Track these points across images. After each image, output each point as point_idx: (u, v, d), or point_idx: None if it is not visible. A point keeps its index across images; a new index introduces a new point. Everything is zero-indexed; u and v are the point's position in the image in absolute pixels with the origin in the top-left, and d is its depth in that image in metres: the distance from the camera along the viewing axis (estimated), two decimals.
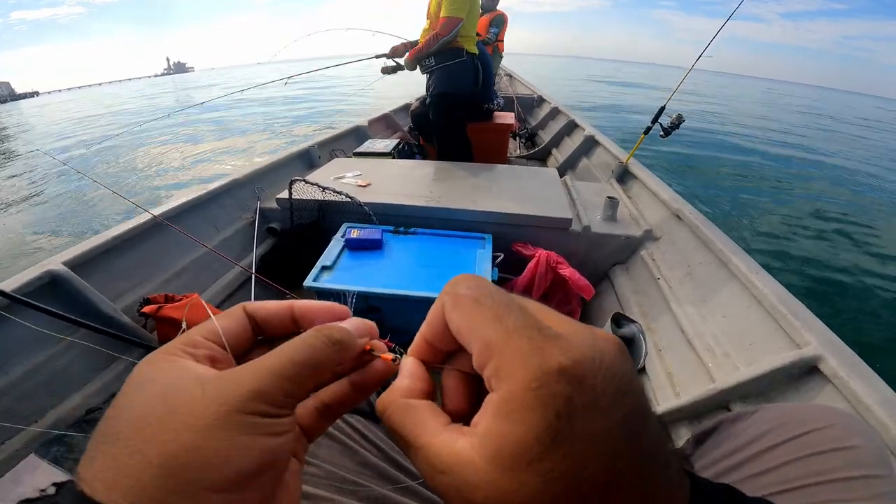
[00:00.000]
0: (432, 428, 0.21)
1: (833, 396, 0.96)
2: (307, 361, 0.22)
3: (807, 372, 1.04)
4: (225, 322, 0.25)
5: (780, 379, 1.07)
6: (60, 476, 0.97)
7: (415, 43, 2.66)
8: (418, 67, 2.70)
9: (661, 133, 2.44)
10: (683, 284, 1.60)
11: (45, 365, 1.22)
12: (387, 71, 2.82)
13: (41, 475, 0.96)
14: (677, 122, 2.38)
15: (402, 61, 2.73)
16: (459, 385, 0.24)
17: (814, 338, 1.05)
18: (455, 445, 0.19)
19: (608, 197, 1.99)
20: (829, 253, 4.19)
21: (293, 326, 0.27)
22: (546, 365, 0.18)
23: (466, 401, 0.24)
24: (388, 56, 2.77)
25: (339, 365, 0.25)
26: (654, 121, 2.47)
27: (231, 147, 8.75)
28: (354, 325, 0.26)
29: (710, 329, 1.36)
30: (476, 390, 0.24)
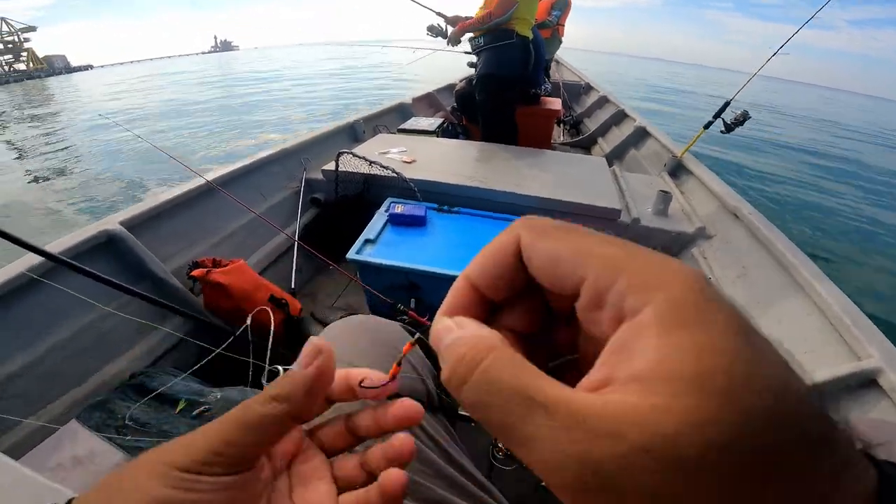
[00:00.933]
0: (552, 381, 0.15)
1: (890, 411, 0.94)
2: (243, 425, 0.23)
3: (864, 384, 1.01)
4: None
5: (835, 391, 1.04)
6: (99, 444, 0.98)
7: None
8: (469, 46, 2.64)
9: (723, 129, 2.32)
10: (736, 286, 1.53)
11: (91, 327, 1.24)
12: (432, 31, 2.76)
13: (82, 442, 0.98)
14: (742, 119, 2.26)
15: (450, 29, 2.67)
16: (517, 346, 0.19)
17: (875, 350, 1.02)
18: (622, 387, 0.14)
19: (661, 190, 1.92)
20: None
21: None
22: (695, 272, 0.15)
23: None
24: (447, 20, 2.71)
25: (299, 417, 0.24)
26: (717, 115, 2.35)
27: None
28: (300, 379, 0.24)
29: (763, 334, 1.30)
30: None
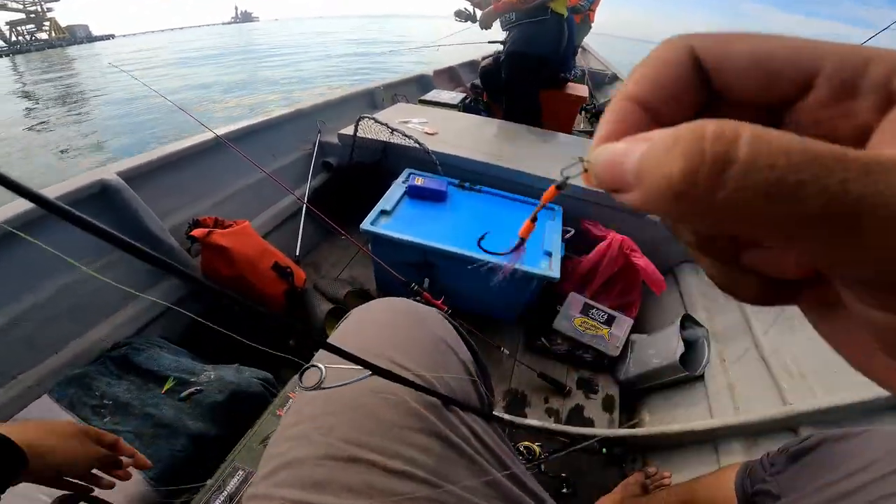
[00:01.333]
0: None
1: None
2: None
3: (892, 409, 0.97)
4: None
5: (859, 412, 0.99)
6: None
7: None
8: (499, 23, 2.50)
9: None
10: None
11: (75, 286, 1.13)
12: (460, 16, 2.62)
13: None
14: None
15: (478, 13, 2.52)
16: None
17: None
18: None
19: None
20: None
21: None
22: None
23: None
24: (472, 2, 2.57)
25: None
26: None
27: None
28: None
29: (790, 348, 1.23)
30: None
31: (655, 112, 0.16)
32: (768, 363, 1.23)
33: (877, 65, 0.13)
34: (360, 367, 0.32)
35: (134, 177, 1.30)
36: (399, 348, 0.45)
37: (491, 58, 3.30)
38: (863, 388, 1.00)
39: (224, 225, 1.35)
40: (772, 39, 0.14)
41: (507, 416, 1.24)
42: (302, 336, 1.28)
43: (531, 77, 2.60)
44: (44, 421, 0.57)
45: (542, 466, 1.06)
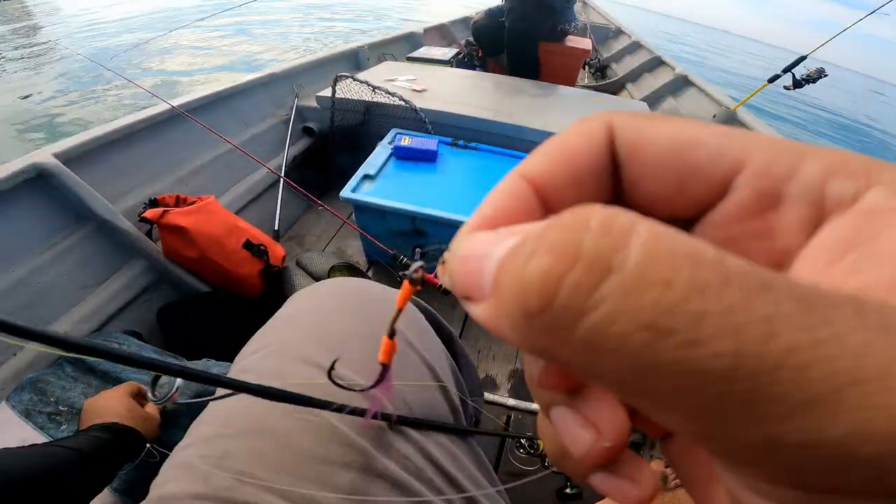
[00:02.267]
0: None
1: None
2: None
3: None
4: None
5: None
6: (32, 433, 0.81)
7: None
8: None
9: (790, 84, 2.09)
10: None
11: (23, 283, 1.00)
12: None
13: (12, 430, 0.81)
14: (816, 76, 2.03)
15: None
16: None
17: None
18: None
19: None
20: None
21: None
22: None
23: None
24: None
25: None
26: (788, 69, 2.10)
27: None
28: None
29: None
30: None
31: (552, 199, 0.13)
32: None
33: (811, 163, 0.11)
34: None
35: (74, 157, 1.13)
36: (334, 349, 0.34)
37: (483, 13, 3.13)
38: None
39: (186, 202, 1.19)
40: (698, 127, 0.12)
41: (478, 431, 1.09)
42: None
43: (536, 27, 2.50)
44: (115, 395, 0.68)
45: (547, 461, 0.91)
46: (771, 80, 2.19)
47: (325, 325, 0.37)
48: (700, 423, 0.08)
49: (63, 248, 1.07)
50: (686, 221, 0.13)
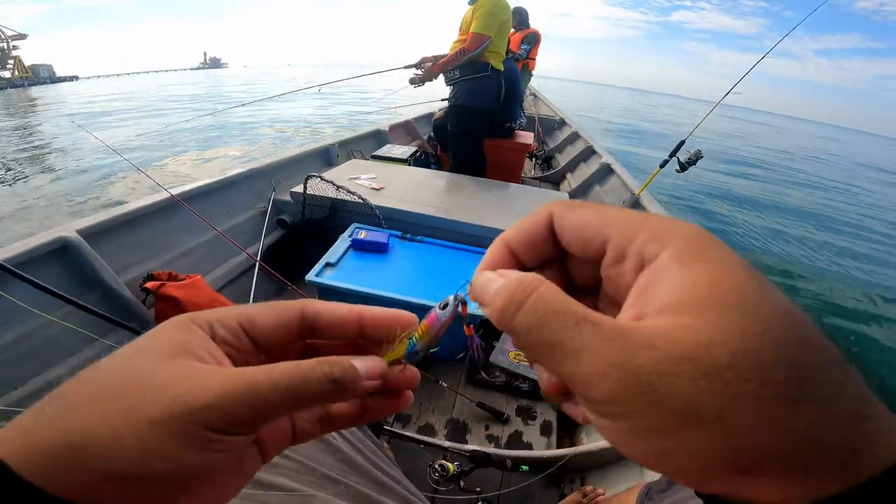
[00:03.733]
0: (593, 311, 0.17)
1: None
2: (292, 390, 0.19)
3: None
4: (268, 314, 0.23)
5: None
6: None
7: (443, 56, 2.70)
8: (442, 77, 2.73)
9: (678, 168, 2.44)
10: None
11: (35, 333, 1.22)
12: (414, 82, 2.83)
13: None
14: (695, 159, 2.39)
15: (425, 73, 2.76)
16: None
17: None
18: (653, 319, 0.16)
19: None
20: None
21: (358, 333, 0.25)
22: (700, 226, 0.18)
23: None
24: (416, 66, 2.81)
25: (333, 402, 0.23)
26: (672, 154, 2.48)
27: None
28: (367, 365, 0.22)
29: None
30: None
31: (519, 253, 0.22)
32: None
33: (642, 235, 0.18)
34: None
35: (92, 234, 1.40)
36: None
37: (443, 110, 3.51)
38: None
39: (177, 279, 1.45)
40: (596, 213, 0.20)
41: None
42: None
43: (475, 129, 2.78)
44: None
45: (462, 483, 1.13)
46: (662, 166, 2.55)
47: None
48: (541, 362, 0.18)
49: (72, 308, 1.24)
50: (596, 264, 0.20)
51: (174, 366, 0.19)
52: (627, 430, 0.16)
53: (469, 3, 2.51)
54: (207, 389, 0.18)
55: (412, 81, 2.84)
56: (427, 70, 2.70)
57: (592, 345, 0.16)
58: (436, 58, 2.77)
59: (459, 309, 0.24)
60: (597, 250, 0.19)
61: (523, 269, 0.22)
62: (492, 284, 0.19)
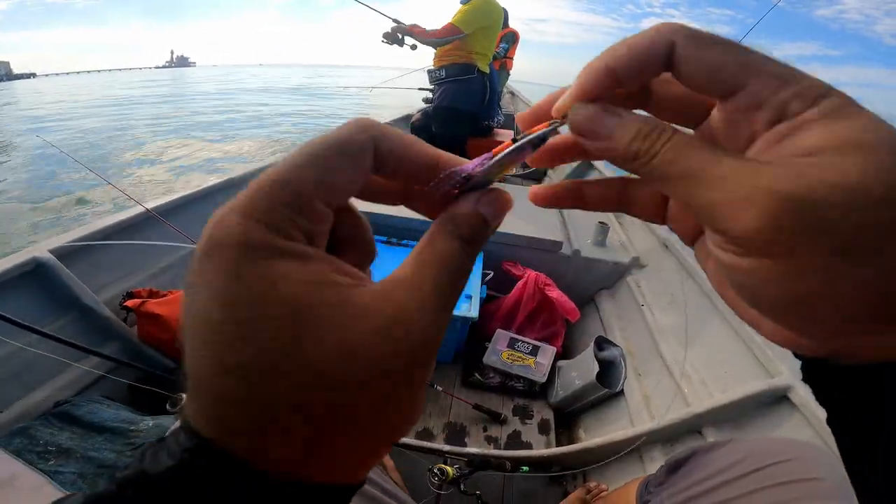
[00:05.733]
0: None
1: (800, 424, 1.00)
2: (448, 267, 0.19)
3: (777, 400, 1.09)
4: (342, 173, 0.18)
5: (751, 406, 1.11)
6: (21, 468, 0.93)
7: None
8: (428, 78, 2.69)
9: None
10: (666, 312, 1.63)
11: (15, 355, 1.18)
12: (388, 38, 2.74)
13: (2, 465, 0.91)
14: None
15: (408, 40, 2.69)
16: None
17: (786, 368, 1.10)
18: (787, 159, 0.16)
19: (599, 222, 2.03)
20: None
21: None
22: (845, 94, 0.17)
23: None
24: (400, 26, 2.69)
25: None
26: None
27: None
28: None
29: (688, 356, 1.39)
30: None
31: (622, 82, 0.19)
32: (672, 372, 1.38)
33: (789, 90, 0.16)
34: None
35: (66, 253, 1.35)
36: None
37: (420, 112, 3.52)
38: (752, 383, 1.13)
39: (158, 295, 1.41)
40: (733, 53, 0.17)
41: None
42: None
43: (460, 130, 2.79)
44: None
45: (462, 485, 1.12)
46: None
47: None
48: (677, 194, 0.17)
49: (51, 330, 1.19)
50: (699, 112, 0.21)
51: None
52: (762, 269, 0.15)
53: (462, 3, 2.50)
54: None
55: (386, 36, 2.75)
56: (402, 28, 2.61)
57: (736, 170, 0.15)
58: (424, 30, 2.69)
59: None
60: (724, 92, 0.18)
61: (613, 93, 0.20)
62: (607, 119, 0.19)
